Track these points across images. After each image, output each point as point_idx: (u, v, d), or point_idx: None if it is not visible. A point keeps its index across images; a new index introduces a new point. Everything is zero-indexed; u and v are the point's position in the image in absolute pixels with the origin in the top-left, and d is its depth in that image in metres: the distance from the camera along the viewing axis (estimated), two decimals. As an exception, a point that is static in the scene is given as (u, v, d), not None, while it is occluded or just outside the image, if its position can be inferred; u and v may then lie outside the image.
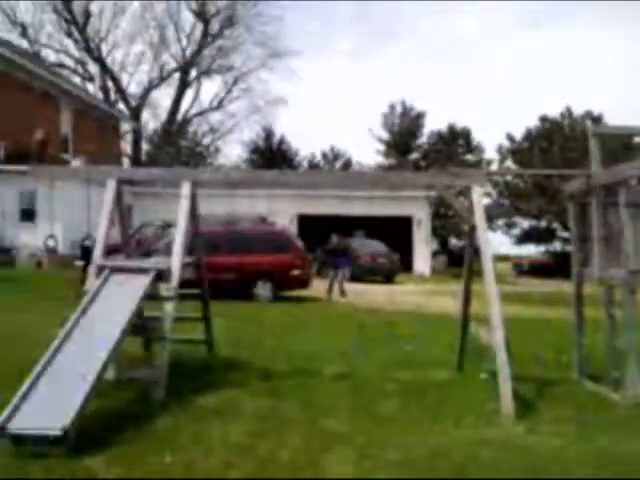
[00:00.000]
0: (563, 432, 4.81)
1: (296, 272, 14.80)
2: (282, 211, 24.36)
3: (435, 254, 31.37)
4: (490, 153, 50.44)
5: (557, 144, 42.11)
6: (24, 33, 38.93)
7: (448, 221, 41.01)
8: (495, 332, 5.66)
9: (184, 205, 6.41)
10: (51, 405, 4.30)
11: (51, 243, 20.11)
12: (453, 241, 45.39)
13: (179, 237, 6.26)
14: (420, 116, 51.15)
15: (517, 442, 4.64)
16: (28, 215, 21.00)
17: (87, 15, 39.66)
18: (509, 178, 45.31)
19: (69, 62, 41.38)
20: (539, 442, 4.62)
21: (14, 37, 36.79)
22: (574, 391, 6.16)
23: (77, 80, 38.83)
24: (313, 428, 4.84)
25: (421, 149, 51.47)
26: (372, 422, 5.07)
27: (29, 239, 20.38)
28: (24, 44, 37.32)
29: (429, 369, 6.97)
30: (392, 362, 7.34)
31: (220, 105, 44.50)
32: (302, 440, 4.54)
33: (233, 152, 66.87)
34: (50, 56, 40.13)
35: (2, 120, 20.74)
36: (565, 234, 41.66)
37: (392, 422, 5.09)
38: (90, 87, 39.62)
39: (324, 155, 55.07)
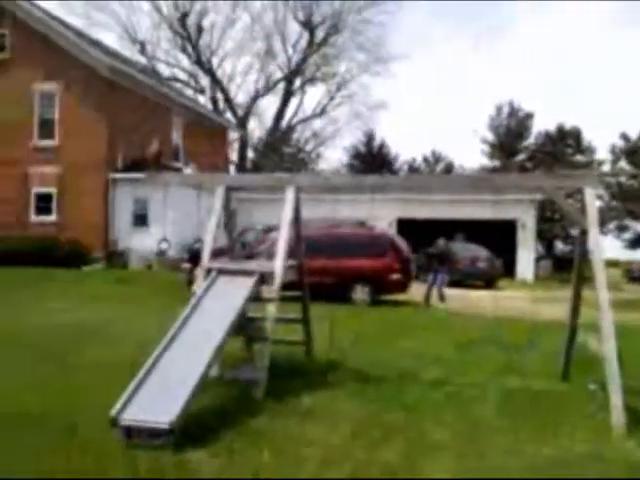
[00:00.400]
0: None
1: (395, 276, 14.72)
2: (382, 215, 24.34)
3: (539, 259, 30.09)
4: (602, 154, 48.02)
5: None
6: (143, 50, 41.56)
7: (554, 225, 39.36)
8: (606, 341, 5.38)
9: (287, 210, 6.57)
10: (159, 400, 4.54)
11: (164, 246, 21.21)
12: (559, 245, 43.48)
13: (282, 241, 6.42)
14: (528, 117, 49.56)
15: (628, 458, 4.39)
16: (141, 220, 22.22)
17: (199, 30, 41.69)
18: (622, 179, 42.84)
19: (182, 75, 43.72)
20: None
21: (134, 54, 39.48)
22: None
23: (189, 92, 40.83)
24: (411, 433, 4.80)
25: (528, 150, 49.80)
26: (472, 429, 4.96)
27: (141, 243, 21.56)
28: (142, 60, 39.87)
29: (533, 377, 6.72)
30: (494, 369, 7.14)
31: (323, 112, 45.18)
32: (399, 444, 4.52)
33: (334, 157, 67.51)
34: (165, 71, 42.61)
35: (119, 131, 22.15)
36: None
37: (492, 430, 4.95)
38: (201, 98, 41.48)
39: (425, 159, 54.54)
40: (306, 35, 42.78)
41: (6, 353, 7.19)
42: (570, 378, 6.67)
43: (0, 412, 4.92)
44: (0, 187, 21.84)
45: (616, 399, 5.08)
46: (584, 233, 6.15)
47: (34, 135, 22.41)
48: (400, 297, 15.28)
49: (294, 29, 43.86)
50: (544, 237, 40.06)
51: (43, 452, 4.13)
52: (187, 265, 15.19)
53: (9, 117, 21.92)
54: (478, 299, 16.78)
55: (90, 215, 21.66)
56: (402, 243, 16.08)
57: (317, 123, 46.70)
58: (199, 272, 6.43)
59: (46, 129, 22.38)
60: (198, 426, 4.60)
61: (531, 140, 49.79)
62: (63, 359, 6.89)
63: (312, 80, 44.29)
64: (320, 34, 42.69)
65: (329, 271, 13.81)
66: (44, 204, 22.21)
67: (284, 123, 45.26)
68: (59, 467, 3.89)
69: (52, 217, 22.13)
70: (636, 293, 23.08)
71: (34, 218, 22.22)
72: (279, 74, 44.10)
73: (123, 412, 4.38)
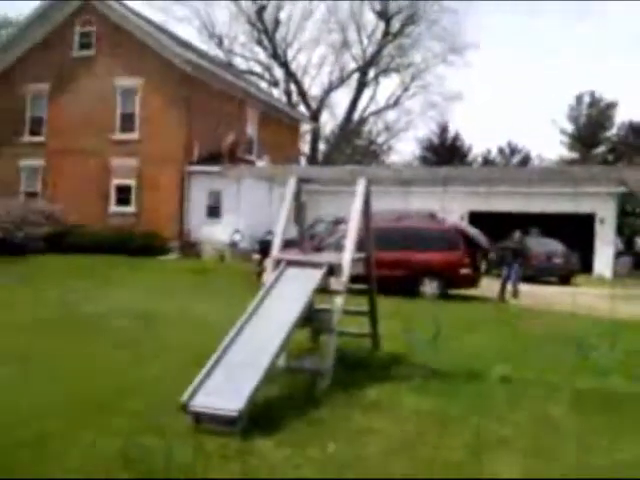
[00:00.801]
0: None
1: (464, 270, 14.47)
2: (454, 208, 23.92)
3: (619, 255, 28.74)
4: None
5: None
6: (220, 44, 42.49)
7: (636, 219, 37.56)
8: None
9: (358, 202, 6.59)
10: (227, 388, 4.67)
11: (237, 237, 21.66)
12: (641, 242, 41.43)
13: (351, 233, 6.44)
14: (610, 106, 47.43)
15: None
16: (214, 212, 22.76)
17: (276, 23, 42.19)
18: None
19: (257, 68, 44.37)
20: None
21: (212, 48, 40.42)
22: None
23: (264, 85, 41.42)
24: (477, 430, 4.74)
25: (609, 142, 47.70)
26: (540, 428, 4.86)
27: (214, 234, 22.09)
28: (220, 54, 40.73)
29: (609, 378, 6.48)
30: (567, 367, 6.93)
31: (397, 103, 44.73)
32: (464, 441, 4.48)
33: (407, 150, 66.89)
34: (241, 64, 43.36)
35: (196, 124, 22.73)
36: None
37: (563, 432, 4.83)
38: (275, 91, 41.99)
39: (500, 150, 53.16)
40: (382, 26, 42.47)
41: (84, 340, 7.57)
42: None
43: (78, 395, 5.19)
44: (83, 178, 22.85)
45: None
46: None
47: (116, 128, 23.31)
48: (471, 292, 15.02)
49: (370, 20, 43.56)
50: (624, 232, 38.31)
51: (115, 433, 4.33)
52: (257, 256, 15.45)
53: (93, 111, 22.89)
54: (553, 295, 16.27)
55: (166, 206, 22.38)
56: (481, 237, 15.76)
57: (390, 115, 46.36)
58: (268, 263, 6.54)
59: (127, 123, 23.23)
60: (265, 415, 4.71)
61: (613, 131, 47.68)
62: (139, 345, 7.19)
63: (386, 71, 43.93)
64: (396, 24, 42.30)
65: (398, 264, 13.72)
66: (123, 195, 23.12)
67: (357, 115, 45.17)
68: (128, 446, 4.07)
69: (131, 208, 23.00)
70: None
71: (114, 209, 23.16)
72: (353, 65, 44.05)
73: (193, 398, 4.53)
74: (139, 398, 5.10)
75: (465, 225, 17.22)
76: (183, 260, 20.92)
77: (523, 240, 16.68)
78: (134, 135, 23.06)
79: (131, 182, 23.00)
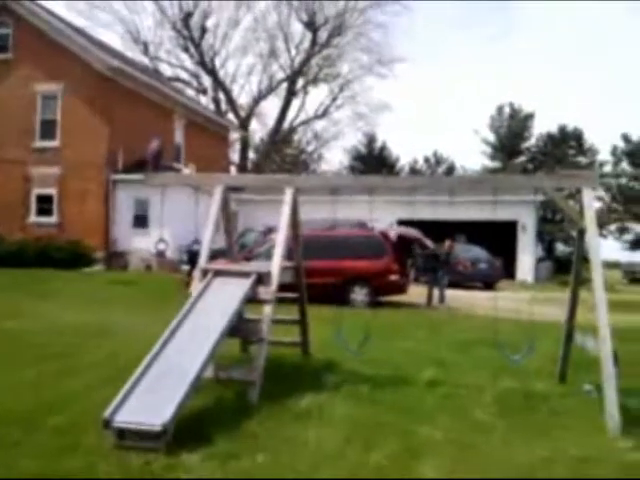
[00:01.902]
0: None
1: (394, 277, 14.69)
2: (382, 217, 24.28)
3: (540, 260, 29.99)
4: (604, 155, 47.98)
5: (679, 144, 39.37)
6: (146, 51, 41.67)
7: (555, 226, 39.36)
8: (603, 342, 5.37)
9: (286, 211, 6.58)
10: (152, 401, 4.53)
11: (161, 247, 21.15)
12: (560, 247, 43.46)
13: (280, 242, 6.42)
14: (529, 117, 49.58)
15: (623, 459, 4.38)
16: (141, 221, 22.23)
17: (203, 30, 41.78)
18: (623, 181, 42.83)
19: (184, 75, 43.80)
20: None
21: (137, 54, 39.59)
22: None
23: (191, 92, 40.89)
24: (406, 435, 4.80)
25: (529, 152, 49.81)
26: (466, 430, 4.96)
27: (141, 244, 21.55)
28: (145, 60, 39.95)
29: (529, 379, 6.71)
30: (492, 370, 7.13)
31: (325, 113, 45.19)
32: (393, 446, 4.52)
33: (335, 159, 67.56)
34: (167, 71, 42.70)
35: (120, 132, 22.16)
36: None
37: (487, 431, 4.95)
38: (203, 99, 41.53)
39: (426, 160, 54.54)
40: (309, 36, 42.88)
41: (7, 353, 7.19)
42: (567, 379, 6.66)
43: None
44: (1, 188, 21.86)
45: (611, 400, 5.07)
46: (582, 234, 6.14)
47: (36, 136, 22.44)
48: (400, 299, 15.26)
49: (297, 30, 43.99)
50: (545, 238, 40.03)
51: (34, 453, 4.12)
52: (186, 266, 15.17)
53: (12, 117, 21.97)
54: (477, 300, 16.75)
55: (90, 216, 21.71)
56: (425, 239, 16.15)
57: (319, 124, 46.78)
58: (196, 273, 6.42)
59: (48, 130, 22.41)
60: (192, 428, 4.59)
61: (532, 141, 49.82)
62: (62, 360, 6.89)
63: (315, 81, 44.32)
64: (323, 35, 42.78)
65: (327, 272, 13.79)
66: (45, 205, 22.27)
67: (286, 124, 45.29)
68: (49, 467, 3.89)
69: (53, 218, 22.18)
70: (633, 294, 23.04)
71: (35, 219, 22.26)
72: (281, 75, 44.21)
73: (116, 414, 4.37)
74: (61, 414, 4.88)
75: (407, 229, 17.55)
76: (109, 271, 20.30)
77: (451, 249, 17.11)
78: (55, 142, 22.28)
79: (53, 191, 22.18)
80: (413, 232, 16.76)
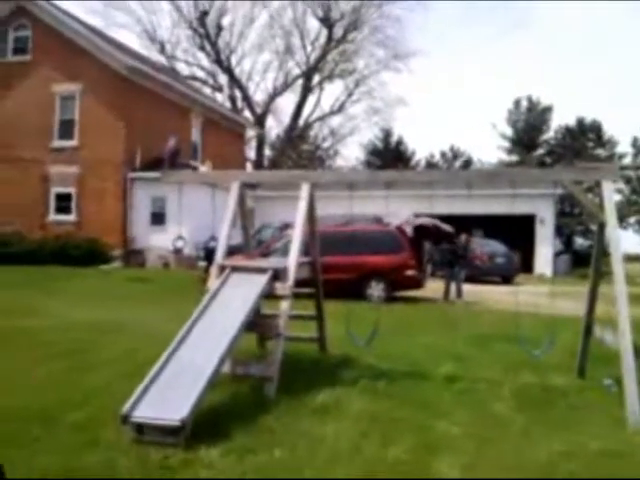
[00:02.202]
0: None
1: (410, 272, 14.65)
2: (399, 211, 24.20)
3: (558, 254, 29.74)
4: (624, 147, 47.38)
5: (701, 134, 38.74)
6: (162, 49, 41.91)
7: (573, 219, 38.97)
8: (622, 336, 5.32)
9: (302, 206, 6.58)
10: (171, 397, 4.56)
11: (180, 244, 21.26)
12: (579, 241, 43.03)
13: (296, 237, 6.43)
14: (547, 110, 49.07)
15: (641, 453, 4.34)
16: (159, 219, 22.37)
17: (219, 28, 41.93)
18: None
19: (200, 74, 44.00)
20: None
21: (154, 54, 39.81)
22: None
23: (207, 90, 41.04)
24: (423, 430, 4.79)
25: (547, 145, 49.31)
26: (485, 425, 4.93)
27: (158, 241, 21.70)
28: (162, 60, 40.17)
29: (548, 373, 6.66)
30: (510, 364, 7.08)
31: (341, 108, 45.11)
32: (410, 441, 4.50)
33: (352, 154, 67.44)
34: (184, 69, 42.91)
35: (138, 130, 22.32)
36: None
37: (506, 426, 4.92)
38: (219, 96, 41.68)
39: (443, 154, 54.24)
40: (325, 32, 42.82)
41: (24, 350, 7.28)
42: (586, 373, 6.60)
43: (15, 407, 4.98)
44: (21, 187, 22.13)
45: (631, 393, 5.03)
46: (602, 227, 6.07)
47: (54, 136, 22.66)
48: (417, 293, 15.22)
49: (313, 26, 43.96)
50: (563, 232, 39.67)
51: (54, 448, 4.17)
52: (203, 263, 15.24)
53: (31, 118, 22.22)
54: (496, 295, 16.65)
55: (108, 214, 21.91)
56: (444, 226, 16.22)
57: (335, 120, 46.70)
58: (213, 269, 6.45)
59: (66, 130, 22.63)
60: (210, 423, 4.62)
61: (550, 134, 49.33)
62: (79, 356, 6.96)
63: (330, 77, 44.25)
64: (339, 31, 42.68)
65: (344, 267, 13.78)
66: (64, 204, 22.51)
67: (302, 121, 45.28)
68: (69, 463, 3.93)
69: (71, 216, 22.40)
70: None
71: (54, 217, 22.51)
72: (297, 71, 44.21)
73: (135, 409, 4.41)
74: (81, 410, 4.93)
75: (424, 219, 17.64)
76: (127, 268, 20.47)
77: (468, 243, 17.02)
78: (74, 142, 22.50)
79: (71, 190, 22.41)
80: (430, 220, 16.82)
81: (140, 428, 4.33)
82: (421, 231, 15.89)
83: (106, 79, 21.95)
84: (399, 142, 52.93)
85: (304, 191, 6.64)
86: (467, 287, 16.22)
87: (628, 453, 4.34)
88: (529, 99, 49.45)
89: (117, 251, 21.66)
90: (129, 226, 22.43)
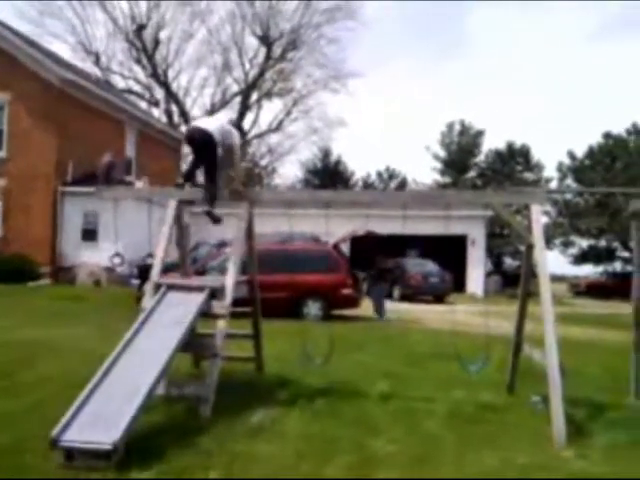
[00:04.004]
0: (615, 458, 4.65)
1: (347, 291, 14.79)
2: (337, 231, 24.40)
3: (489, 274, 30.71)
4: (550, 171, 49.53)
5: (621, 161, 40.94)
6: (97, 61, 41.00)
7: (503, 241, 40.32)
8: (549, 354, 5.53)
9: (240, 225, 6.56)
10: (102, 419, 4.43)
11: (117, 261, 20.65)
12: (508, 261, 44.53)
13: (234, 256, 6.40)
14: (479, 134, 50.72)
15: (566, 467, 4.51)
16: (90, 235, 21.75)
17: (156, 42, 41.40)
18: (569, 196, 44.22)
19: (137, 87, 43.26)
20: (589, 468, 4.48)
21: (88, 66, 38.90)
22: (629, 416, 5.93)
23: (143, 105, 40.37)
24: (359, 448, 4.82)
25: (478, 167, 50.93)
26: (419, 442, 5.02)
27: (90, 258, 21.08)
28: (96, 72, 39.28)
29: (479, 390, 6.83)
30: (443, 382, 7.24)
31: (279, 127, 45.26)
32: (347, 460, 4.53)
33: (290, 173, 67.70)
34: (119, 82, 42.10)
35: (70, 143, 21.71)
36: (626, 254, 40.31)
37: (439, 443, 5.02)
38: (155, 111, 41.13)
39: (379, 174, 55.17)
40: (263, 50, 42.97)
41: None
42: (516, 390, 6.81)
43: None
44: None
45: (557, 410, 5.21)
46: (530, 248, 6.32)
47: (-20, 147, 21.79)
48: (352, 312, 15.35)
49: (252, 44, 44.03)
50: (493, 253, 40.99)
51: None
52: (137, 281, 14.91)
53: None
54: (430, 314, 16.99)
55: (37, 229, 21.15)
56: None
57: (273, 138, 46.80)
58: (148, 288, 6.33)
59: (-6, 140, 21.80)
60: (143, 445, 4.51)
61: (481, 157, 50.97)
62: (5, 378, 6.67)
63: (269, 95, 44.39)
64: (277, 50, 42.95)
65: (282, 286, 13.77)
66: (-11, 218, 21.59)
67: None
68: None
69: (-3, 231, 21.51)
70: (583, 308, 23.77)
71: (-22, 232, 21.55)
72: (235, 88, 44.16)
73: (64, 432, 4.26)
74: (5, 433, 4.72)
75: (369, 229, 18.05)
76: (56, 286, 19.76)
77: (398, 263, 17.40)
78: (1, 153, 21.67)
79: (-2, 203, 21.56)
80: (364, 230, 17.14)
81: (70, 453, 4.18)
82: (359, 243, 16.12)
83: (38, 90, 21.29)
84: (338, 161, 53.53)
85: (242, 209, 6.64)
86: (401, 306, 16.51)
87: (554, 467, 4.50)
88: (462, 123, 51.02)
89: (46, 268, 20.89)
90: (59, 242, 21.71)
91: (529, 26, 76.20)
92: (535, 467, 4.45)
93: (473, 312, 17.10)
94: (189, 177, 7.06)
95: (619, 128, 44.35)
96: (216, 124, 6.74)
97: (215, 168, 6.68)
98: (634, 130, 42.85)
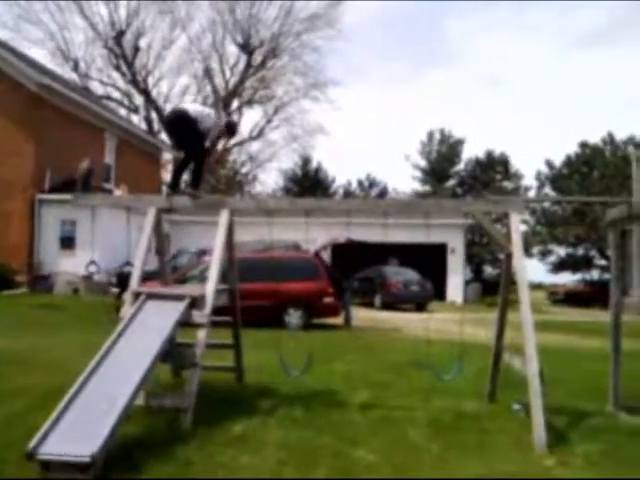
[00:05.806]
0: (595, 465, 4.69)
1: (328, 299, 14.76)
2: (317, 239, 24.41)
3: (468, 282, 30.92)
4: (528, 180, 50.08)
5: (598, 170, 41.56)
6: (76, 68, 40.67)
7: (483, 249, 40.64)
8: (529, 362, 5.56)
9: (221, 233, 6.52)
10: (80, 431, 4.35)
11: (93, 269, 20.46)
12: (487, 269, 44.89)
13: (214, 264, 6.35)
14: (458, 143, 51.13)
15: (549, 475, 4.53)
16: (68, 243, 21.50)
17: (136, 49, 41.18)
18: (547, 205, 44.75)
19: (116, 94, 42.99)
20: (570, 475, 4.50)
21: (67, 71, 38.58)
22: (609, 423, 5.98)
23: (122, 111, 40.10)
24: (340, 457, 4.80)
25: (458, 176, 51.33)
26: (400, 451, 5.00)
27: (68, 266, 20.82)
28: (75, 78, 38.96)
29: (460, 398, 6.84)
30: (425, 391, 7.23)
31: (260, 134, 45.24)
32: (328, 469, 4.51)
33: (271, 180, 67.65)
34: (98, 89, 41.77)
35: (48, 150, 21.45)
36: (603, 262, 40.88)
37: (421, 452, 5.01)
38: (135, 118, 40.82)
39: (360, 183, 55.32)
40: (244, 58, 42.99)
41: None
42: (497, 398, 6.84)
43: None
44: None
45: (538, 418, 5.24)
46: (509, 257, 6.37)
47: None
48: (333, 321, 15.33)
49: (232, 51, 44.03)
50: (473, 261, 41.29)
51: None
52: (115, 289, 14.75)
53: None
54: (410, 322, 17.03)
55: (13, 237, 20.80)
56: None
57: (254, 146, 46.76)
58: (127, 296, 6.26)
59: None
60: (122, 457, 4.44)
61: (461, 166, 51.38)
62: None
63: (249, 102, 44.39)
64: (258, 57, 42.99)
65: (262, 295, 13.72)
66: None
67: (220, 145, 44.99)
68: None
69: (-28, 239, 21.13)
70: (562, 315, 24.00)
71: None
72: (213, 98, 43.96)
73: (41, 445, 4.17)
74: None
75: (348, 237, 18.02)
76: (33, 295, 19.47)
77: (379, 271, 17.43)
78: (-24, 160, 21.33)
79: (-28, 211, 21.19)
80: (343, 237, 17.15)
81: (47, 466, 4.10)
82: (339, 251, 16.16)
83: (14, 95, 21.00)
84: (318, 169, 53.59)
85: (223, 217, 6.60)
86: (382, 314, 16.53)
87: (534, 475, 4.52)
88: (441, 132, 51.42)
89: (22, 276, 20.58)
90: (36, 250, 21.42)
91: (508, 36, 77.25)
92: (517, 474, 4.46)
93: (453, 320, 17.18)
94: (175, 185, 7.12)
95: (595, 138, 44.94)
96: (194, 106, 6.93)
97: (196, 146, 6.79)
98: (609, 140, 43.55)
